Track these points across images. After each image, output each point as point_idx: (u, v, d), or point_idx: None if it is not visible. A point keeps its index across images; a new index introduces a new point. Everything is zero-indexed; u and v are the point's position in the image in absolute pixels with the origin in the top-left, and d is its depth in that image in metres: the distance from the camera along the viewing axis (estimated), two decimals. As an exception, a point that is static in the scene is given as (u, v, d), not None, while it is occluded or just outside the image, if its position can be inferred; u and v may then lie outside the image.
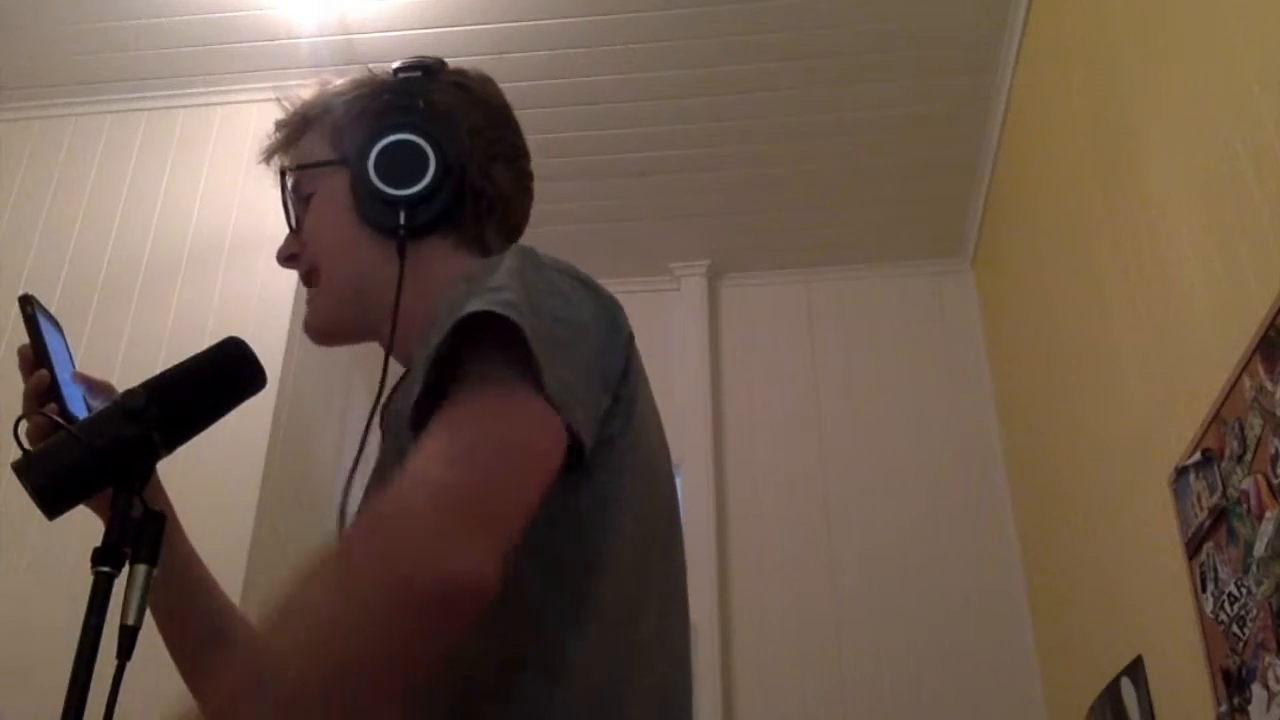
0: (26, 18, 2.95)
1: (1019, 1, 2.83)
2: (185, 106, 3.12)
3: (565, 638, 0.76)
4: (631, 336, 0.86)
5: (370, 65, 1.05)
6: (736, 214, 3.64)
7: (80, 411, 0.92)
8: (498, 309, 0.73)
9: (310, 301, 1.00)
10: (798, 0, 2.87)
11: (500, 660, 0.75)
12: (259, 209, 2.91)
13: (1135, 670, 2.27)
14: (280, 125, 1.03)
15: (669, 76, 3.10)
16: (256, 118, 3.06)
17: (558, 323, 0.77)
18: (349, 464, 0.92)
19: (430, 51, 1.05)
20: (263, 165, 1.03)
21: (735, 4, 2.88)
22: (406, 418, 0.76)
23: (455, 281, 0.84)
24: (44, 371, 0.91)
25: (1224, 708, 1.79)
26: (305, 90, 1.04)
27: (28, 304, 0.94)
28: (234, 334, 0.92)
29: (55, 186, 3.03)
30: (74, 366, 0.97)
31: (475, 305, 0.73)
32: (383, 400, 0.94)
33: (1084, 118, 2.50)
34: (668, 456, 0.92)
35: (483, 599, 0.63)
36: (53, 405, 0.91)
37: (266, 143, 1.03)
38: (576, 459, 0.75)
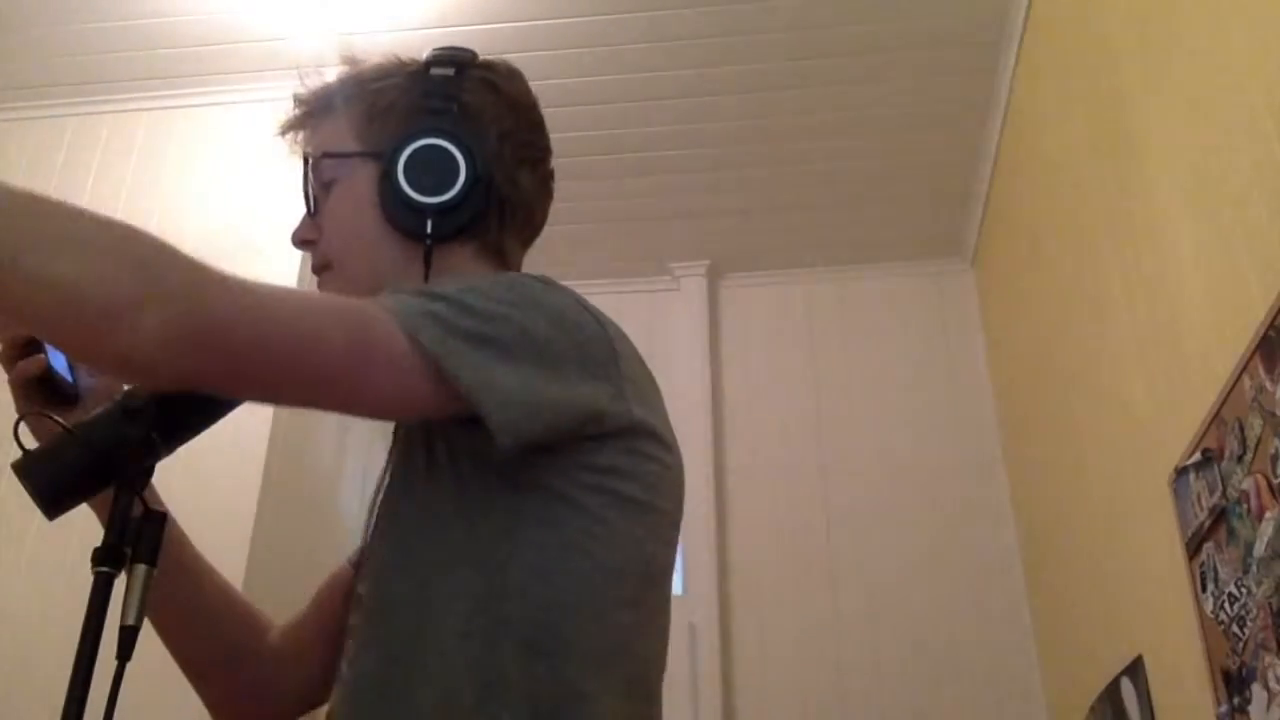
0: (26, 18, 2.94)
1: (1019, 1, 2.83)
2: (185, 106, 3.11)
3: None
4: (616, 354, 0.87)
5: (399, 55, 1.01)
6: (736, 214, 3.64)
7: (61, 365, 0.92)
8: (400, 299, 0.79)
9: (321, 290, 0.98)
10: (797, 0, 2.87)
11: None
12: (259, 210, 2.90)
13: (1135, 670, 2.27)
14: (302, 102, 0.99)
15: (669, 76, 3.10)
16: (256, 118, 3.05)
17: (487, 319, 0.79)
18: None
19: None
20: (279, 138, 1.00)
21: (735, 4, 2.87)
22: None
23: None
24: None
25: (1224, 708, 1.79)
26: (331, 71, 1.00)
27: None
28: None
29: (55, 187, 3.03)
30: None
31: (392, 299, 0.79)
32: None
33: (1084, 118, 2.50)
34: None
35: (128, 367, 0.69)
36: (47, 397, 0.91)
37: (286, 116, 0.99)
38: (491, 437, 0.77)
